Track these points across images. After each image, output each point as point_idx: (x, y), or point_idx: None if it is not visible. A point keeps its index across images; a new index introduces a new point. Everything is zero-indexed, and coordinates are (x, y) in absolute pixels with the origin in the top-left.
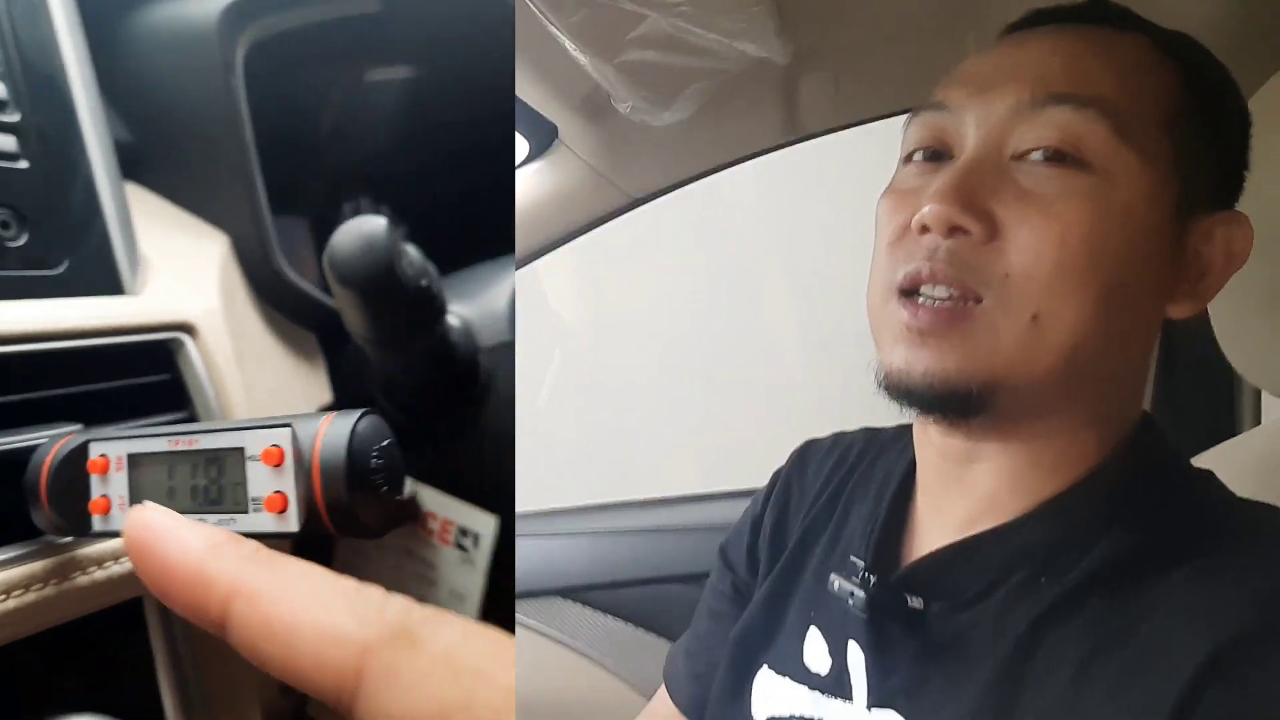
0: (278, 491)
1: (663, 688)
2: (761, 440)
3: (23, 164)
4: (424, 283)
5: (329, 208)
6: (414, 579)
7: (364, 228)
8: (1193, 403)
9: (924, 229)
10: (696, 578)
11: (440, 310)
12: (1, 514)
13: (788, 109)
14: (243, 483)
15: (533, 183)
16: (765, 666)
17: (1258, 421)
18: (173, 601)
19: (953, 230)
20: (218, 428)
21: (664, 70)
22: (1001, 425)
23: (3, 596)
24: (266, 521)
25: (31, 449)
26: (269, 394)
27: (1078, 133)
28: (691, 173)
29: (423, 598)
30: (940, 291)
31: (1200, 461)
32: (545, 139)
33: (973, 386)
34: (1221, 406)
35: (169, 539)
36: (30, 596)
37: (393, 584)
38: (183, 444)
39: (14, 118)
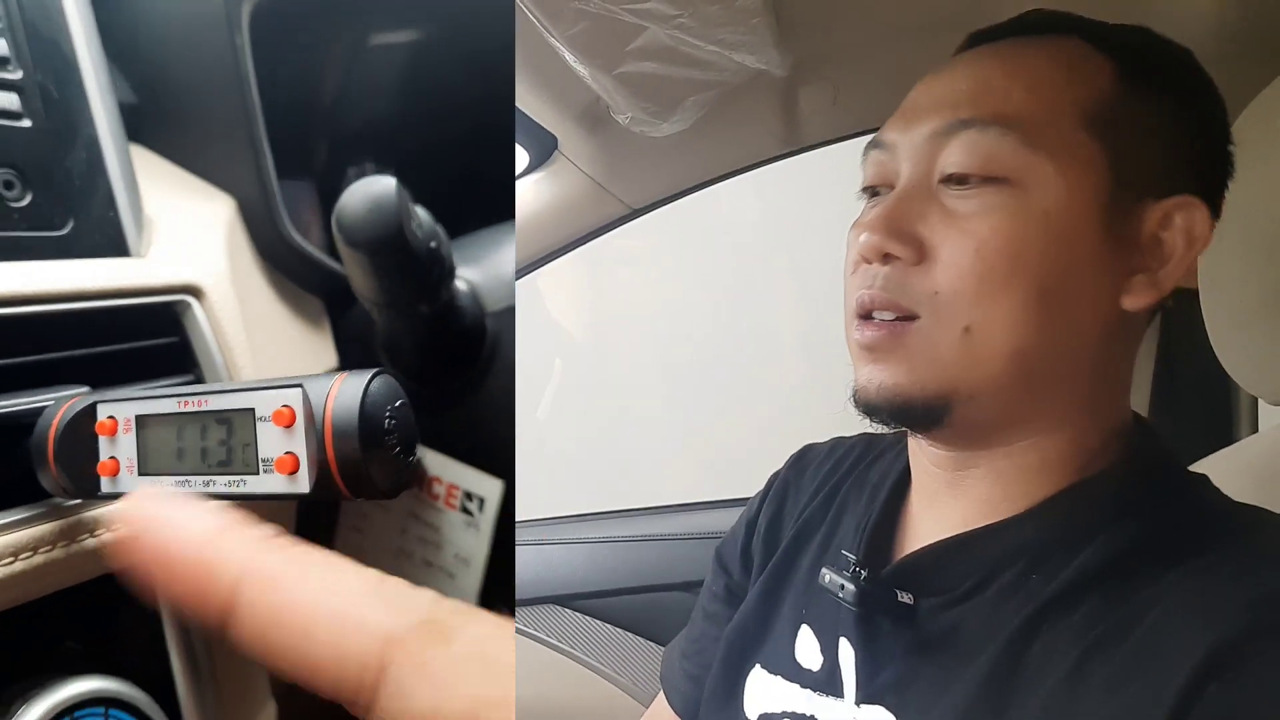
0: (289, 452)
1: (660, 694)
2: (759, 449)
3: (25, 123)
4: (433, 244)
5: (332, 172)
6: (419, 543)
7: (373, 189)
8: (1190, 410)
9: (866, 259)
10: (693, 585)
11: (449, 273)
12: (8, 477)
13: (786, 120)
14: (253, 444)
15: (532, 193)
16: (758, 665)
17: (1254, 429)
18: (173, 588)
19: (886, 257)
20: (227, 388)
21: (663, 81)
22: (972, 434)
23: (10, 559)
24: (277, 483)
25: (38, 411)
26: (275, 358)
27: (985, 152)
28: (690, 183)
29: (428, 561)
30: (886, 315)
31: (1197, 469)
32: (545, 150)
33: (925, 399)
34: (1218, 414)
35: (171, 521)
36: (38, 559)
37: (397, 548)
38: (192, 405)
39: (16, 75)
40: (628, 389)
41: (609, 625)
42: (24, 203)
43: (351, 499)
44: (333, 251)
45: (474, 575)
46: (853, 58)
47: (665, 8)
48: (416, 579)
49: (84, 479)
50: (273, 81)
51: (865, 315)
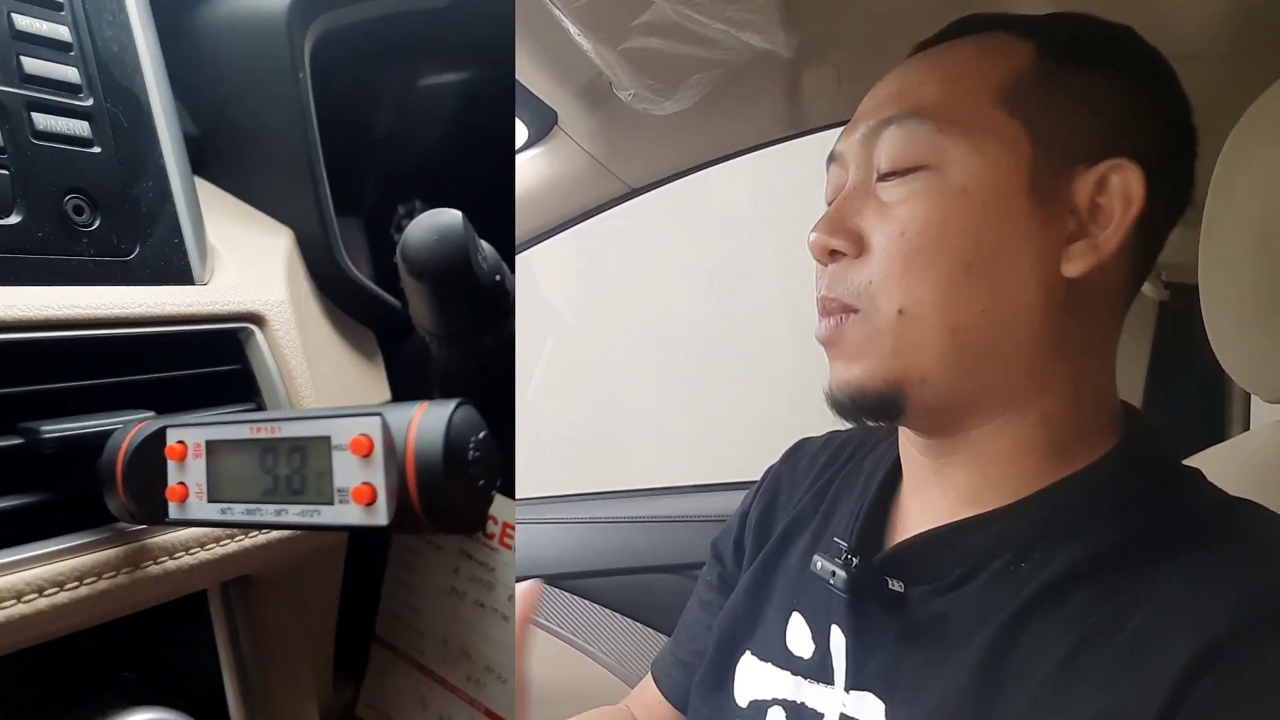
0: (366, 483)
1: (648, 676)
2: (752, 432)
3: (96, 150)
4: (498, 278)
5: (383, 206)
6: (471, 583)
7: (439, 220)
8: (1183, 405)
9: (816, 259)
10: (681, 568)
11: (511, 308)
12: (75, 499)
13: (789, 102)
14: (328, 473)
15: (530, 169)
16: (748, 652)
17: (1247, 426)
18: None
19: (831, 254)
20: (302, 415)
21: (667, 59)
22: (936, 419)
23: (74, 584)
24: (353, 514)
25: (105, 434)
26: (332, 388)
27: (904, 142)
28: (690, 164)
29: (480, 603)
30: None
31: (1190, 463)
32: (544, 125)
33: (876, 388)
34: (1211, 410)
35: None
36: (102, 584)
37: (449, 588)
38: (264, 431)
39: (87, 103)
40: (618, 370)
41: (596, 605)
42: (93, 228)
43: (431, 533)
44: (382, 285)
45: None
46: (857, 41)
47: None
48: (469, 621)
49: (152, 504)
50: (325, 117)
51: (823, 314)
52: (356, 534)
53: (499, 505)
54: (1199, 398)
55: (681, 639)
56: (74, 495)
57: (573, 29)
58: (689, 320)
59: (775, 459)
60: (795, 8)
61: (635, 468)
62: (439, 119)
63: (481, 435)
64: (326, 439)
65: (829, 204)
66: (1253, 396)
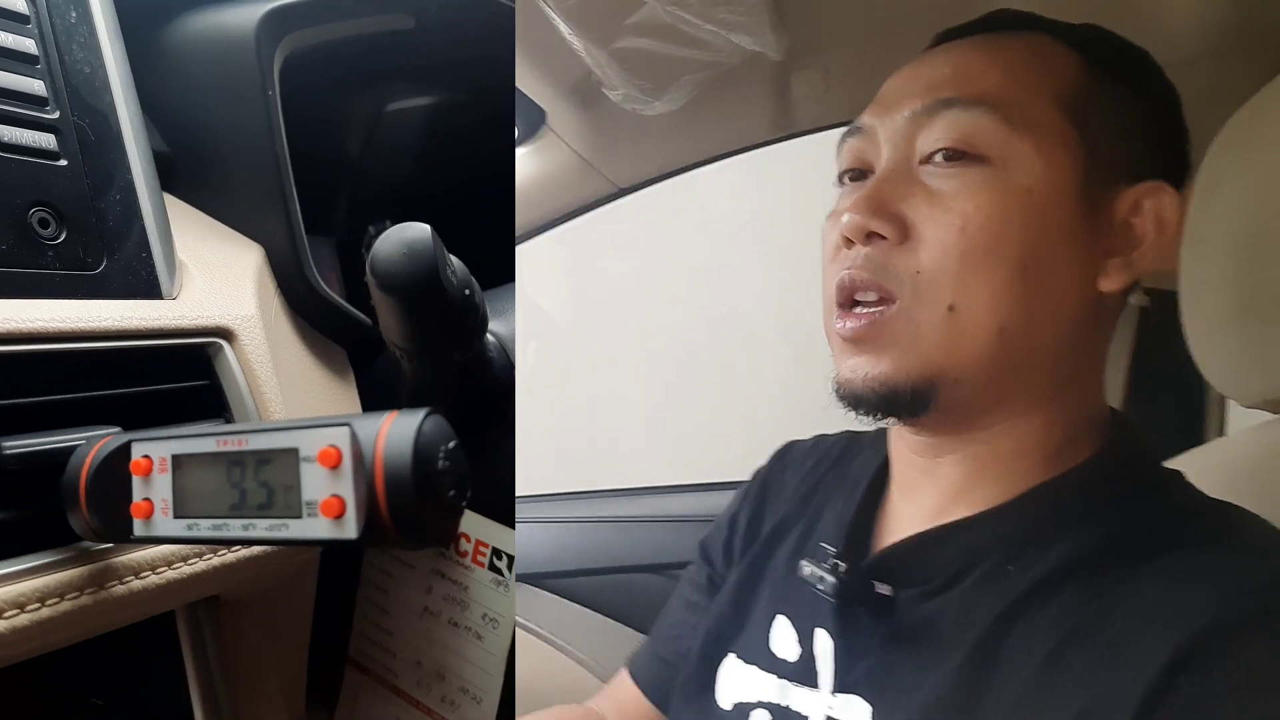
0: (335, 495)
1: (623, 671)
2: (737, 432)
3: (62, 162)
4: (467, 292)
5: (352, 225)
6: (445, 602)
7: (408, 234)
8: (1162, 410)
9: (849, 241)
10: (663, 568)
11: (483, 323)
12: (38, 517)
13: (778, 105)
14: (296, 486)
15: (517, 168)
16: (732, 655)
17: (1223, 431)
18: None
19: (869, 237)
20: (269, 427)
21: (658, 59)
22: (955, 418)
23: (37, 604)
24: (322, 527)
25: (69, 450)
26: (302, 406)
27: (968, 129)
28: (679, 165)
29: (454, 622)
30: (869, 295)
31: (1170, 466)
32: (533, 124)
33: (911, 384)
34: (1189, 415)
35: None
36: (65, 605)
37: (423, 607)
38: (231, 444)
39: (53, 115)
40: (602, 370)
41: (577, 605)
42: (58, 241)
43: (400, 546)
44: (354, 305)
45: (503, 637)
46: (846, 45)
47: None
48: (442, 641)
49: (116, 522)
50: (295, 137)
51: (845, 303)
52: (326, 549)
53: (472, 522)
54: (1178, 403)
55: (664, 637)
56: (36, 513)
57: (564, 28)
58: (673, 321)
59: (760, 460)
60: (785, 11)
61: (616, 467)
62: (410, 139)
63: (451, 445)
64: (294, 451)
65: (844, 177)
66: (1229, 401)
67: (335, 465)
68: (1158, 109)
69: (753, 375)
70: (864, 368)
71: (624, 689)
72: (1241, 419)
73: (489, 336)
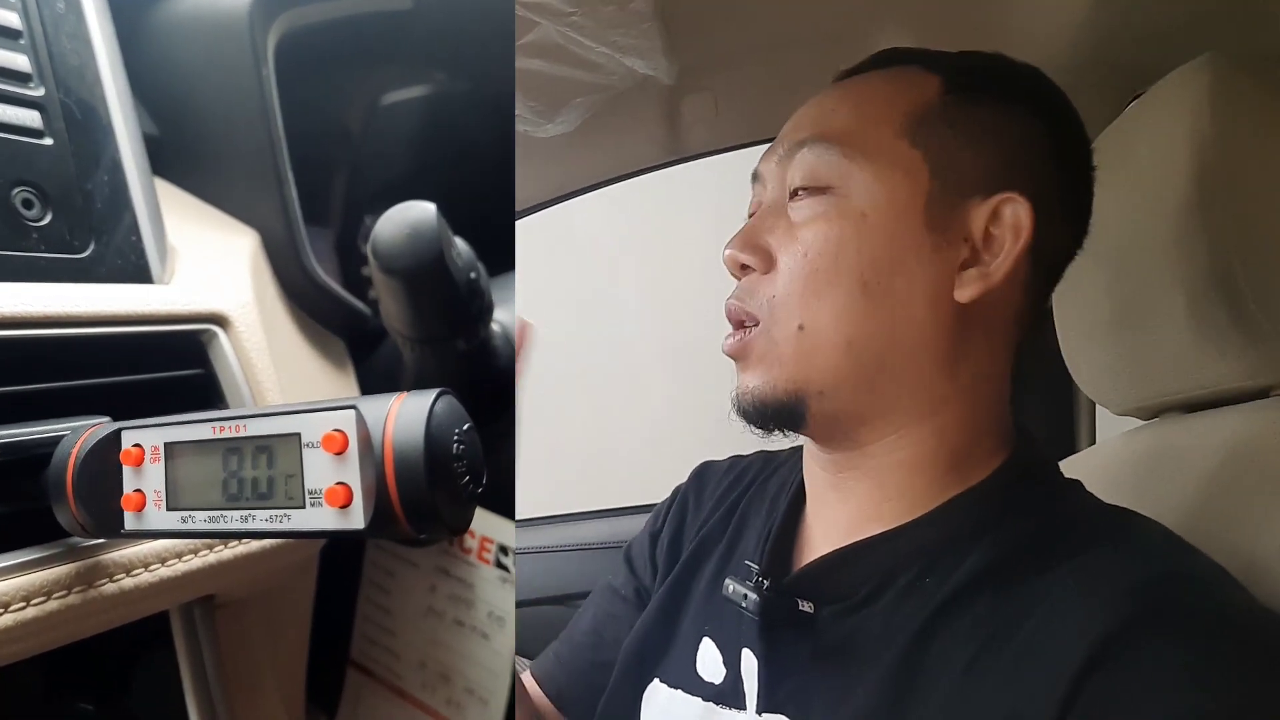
0: (340, 483)
1: (526, 673)
2: (720, 452)
3: (47, 141)
4: (472, 275)
5: (348, 217)
6: (450, 601)
7: (411, 214)
8: (1034, 419)
9: (730, 273)
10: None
11: (488, 308)
12: (22, 512)
13: (669, 128)
14: (298, 474)
15: None
16: (657, 679)
17: (1093, 439)
18: None
19: (742, 268)
20: (268, 412)
21: (551, 81)
22: (836, 429)
23: (22, 604)
24: (327, 518)
25: (55, 441)
26: (300, 396)
27: (813, 165)
28: (571, 188)
29: (459, 621)
30: (744, 320)
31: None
32: None
33: (778, 397)
34: (1061, 423)
35: None
36: (53, 605)
37: (427, 607)
38: (228, 430)
39: (38, 92)
40: (591, 382)
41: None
42: (43, 223)
43: (412, 538)
44: (354, 290)
45: (509, 636)
46: (735, 70)
47: (560, 4)
48: (447, 641)
49: (106, 515)
50: (290, 124)
51: (733, 327)
52: (329, 544)
53: (477, 517)
54: (1050, 411)
55: (583, 644)
56: (20, 508)
57: None
58: (658, 332)
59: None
60: (676, 35)
61: (607, 488)
62: (408, 125)
63: (465, 427)
64: (296, 436)
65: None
66: (1098, 408)
67: (341, 451)
68: (1027, 122)
69: (643, 402)
70: (743, 383)
71: (532, 696)
72: (1113, 426)
73: (494, 325)
